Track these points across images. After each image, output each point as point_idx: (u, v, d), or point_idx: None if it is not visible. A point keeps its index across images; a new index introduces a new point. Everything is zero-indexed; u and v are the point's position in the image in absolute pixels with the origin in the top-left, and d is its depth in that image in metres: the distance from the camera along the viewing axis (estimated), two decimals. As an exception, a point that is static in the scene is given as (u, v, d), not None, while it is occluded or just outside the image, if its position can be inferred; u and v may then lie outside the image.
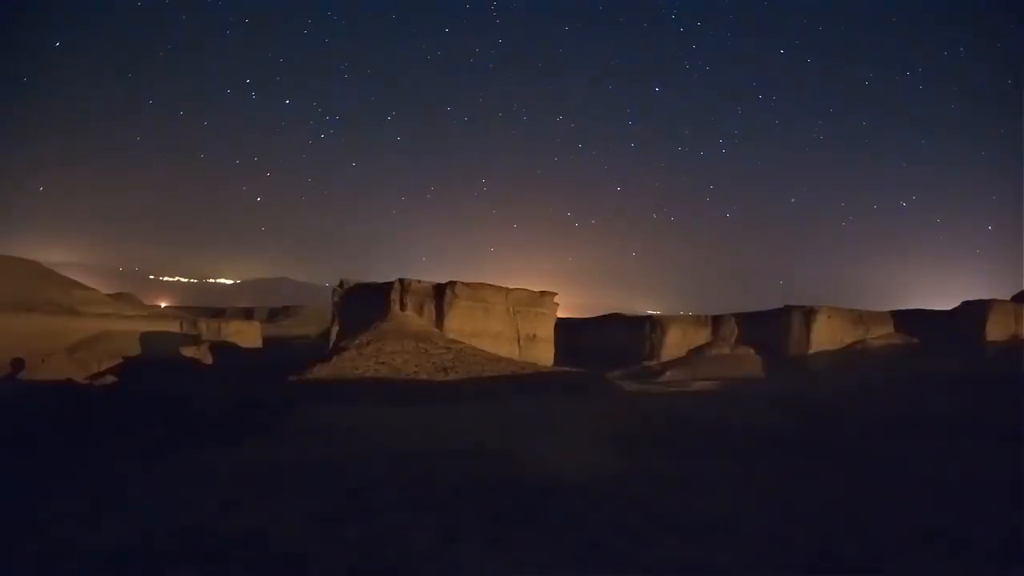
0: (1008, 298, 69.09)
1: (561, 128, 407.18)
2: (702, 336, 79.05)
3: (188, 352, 60.65)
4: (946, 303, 79.69)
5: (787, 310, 73.41)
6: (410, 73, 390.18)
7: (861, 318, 73.23)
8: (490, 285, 57.13)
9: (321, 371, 41.93)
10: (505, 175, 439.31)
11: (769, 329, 74.05)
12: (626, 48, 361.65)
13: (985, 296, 67.80)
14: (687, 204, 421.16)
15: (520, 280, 66.42)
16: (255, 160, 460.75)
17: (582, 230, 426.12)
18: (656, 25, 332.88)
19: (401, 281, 55.22)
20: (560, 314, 64.03)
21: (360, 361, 43.55)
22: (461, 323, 53.97)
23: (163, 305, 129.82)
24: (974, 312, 66.57)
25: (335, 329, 62.75)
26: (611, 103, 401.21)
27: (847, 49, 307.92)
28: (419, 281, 55.55)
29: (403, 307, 54.14)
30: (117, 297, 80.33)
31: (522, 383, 42.30)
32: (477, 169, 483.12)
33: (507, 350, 54.17)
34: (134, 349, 60.10)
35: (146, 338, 63.01)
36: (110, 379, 45.86)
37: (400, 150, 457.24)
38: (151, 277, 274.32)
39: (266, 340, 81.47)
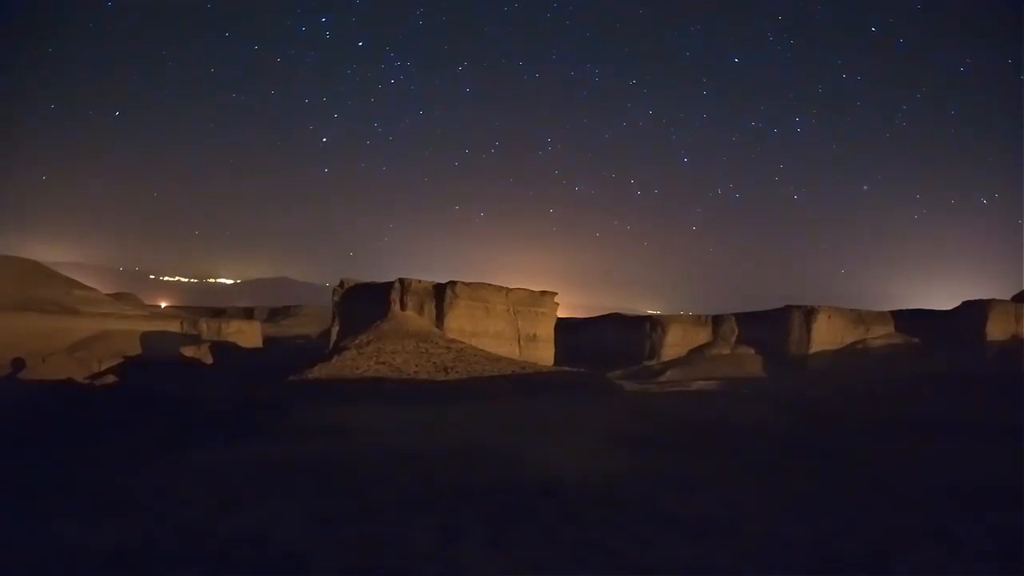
0: (1008, 298, 69.11)
1: (633, 92, 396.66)
2: (702, 336, 79.06)
3: (188, 352, 60.65)
4: (946, 303, 79.74)
5: (787, 310, 73.41)
6: (485, 22, 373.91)
7: (861, 318, 73.23)
8: (490, 285, 57.14)
9: (321, 371, 41.94)
10: (572, 134, 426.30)
11: (769, 329, 74.04)
12: (709, 15, 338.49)
13: (985, 296, 67.88)
14: (754, 182, 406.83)
15: (520, 280, 66.53)
16: (323, 101, 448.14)
17: (639, 200, 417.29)
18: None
19: (401, 281, 55.23)
20: (560, 314, 64.02)
21: (360, 361, 43.55)
22: (461, 323, 53.97)
23: (163, 305, 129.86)
24: (974, 312, 66.58)
25: (335, 329, 62.77)
26: (687, 70, 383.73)
27: (945, 32, 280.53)
28: (419, 281, 55.56)
29: (403, 307, 54.14)
30: (117, 297, 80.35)
31: (522, 383, 42.30)
32: (543, 126, 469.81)
33: (507, 350, 54.16)
34: (134, 349, 60.11)
35: (146, 338, 63.05)
36: (110, 379, 45.80)
37: (468, 101, 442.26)
38: (151, 277, 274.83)
39: (266, 340, 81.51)
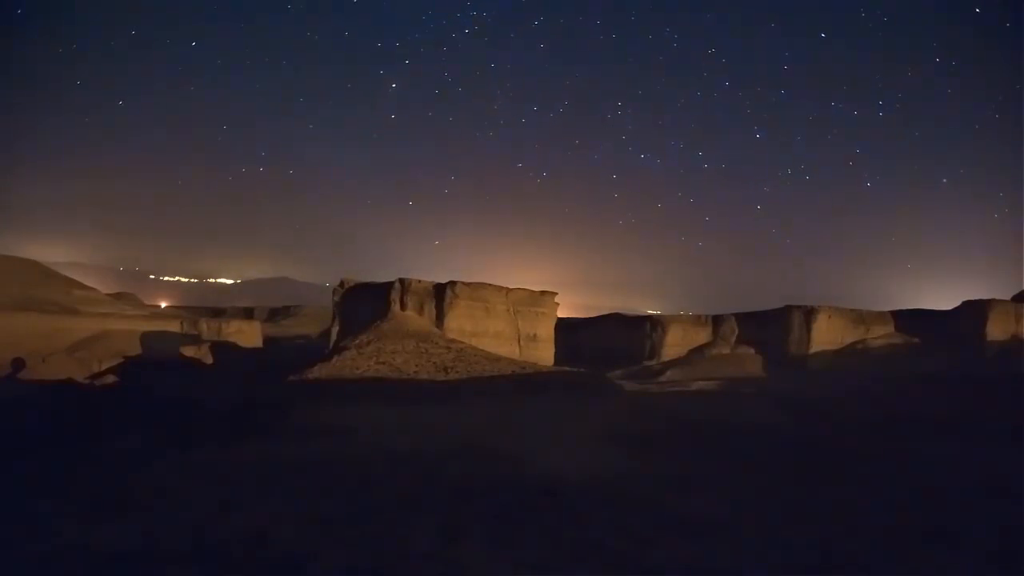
0: (1008, 298, 69.07)
1: (709, 62, 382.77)
2: (702, 336, 79.02)
3: (188, 352, 60.58)
4: (946, 303, 79.72)
5: (787, 310, 73.38)
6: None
7: (861, 318, 73.21)
8: (490, 285, 57.13)
9: (321, 371, 41.90)
10: (643, 99, 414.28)
11: (769, 329, 74.01)
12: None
13: (985, 296, 67.81)
14: (826, 166, 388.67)
15: (520, 280, 66.64)
16: (396, 46, 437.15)
17: (705, 173, 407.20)
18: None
19: (401, 281, 55.22)
20: (560, 314, 64.01)
21: (360, 361, 43.52)
22: (461, 323, 53.94)
23: (163, 305, 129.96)
24: (974, 312, 66.55)
25: (335, 329, 62.72)
26: (770, 45, 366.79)
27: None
28: (419, 281, 55.55)
29: (403, 307, 54.12)
30: (117, 297, 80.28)
31: (522, 383, 42.26)
32: (615, 88, 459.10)
33: (507, 350, 54.13)
34: (134, 349, 60.06)
35: (146, 338, 62.98)
36: (110, 379, 45.76)
37: (541, 58, 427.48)
38: (151, 277, 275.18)
39: (266, 340, 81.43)
